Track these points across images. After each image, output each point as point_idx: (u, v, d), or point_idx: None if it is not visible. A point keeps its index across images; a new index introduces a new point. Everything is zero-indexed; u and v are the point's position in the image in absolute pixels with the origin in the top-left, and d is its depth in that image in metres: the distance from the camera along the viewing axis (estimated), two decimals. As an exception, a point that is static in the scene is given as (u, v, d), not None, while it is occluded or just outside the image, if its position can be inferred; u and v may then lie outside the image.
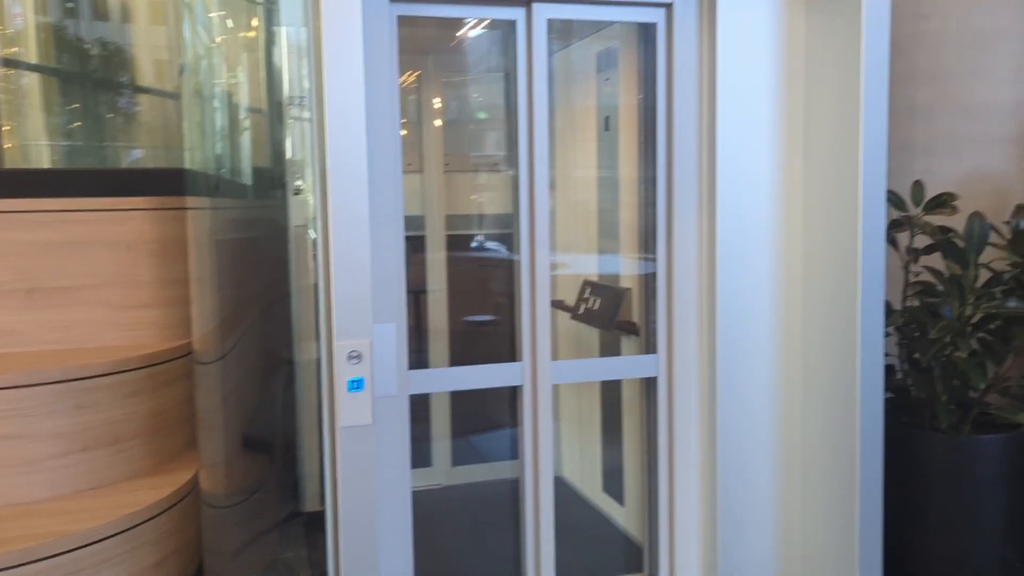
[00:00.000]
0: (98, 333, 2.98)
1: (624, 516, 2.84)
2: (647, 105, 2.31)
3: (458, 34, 2.78)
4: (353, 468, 1.72)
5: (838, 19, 2.02)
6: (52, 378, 2.59)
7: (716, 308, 2.12)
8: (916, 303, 2.66)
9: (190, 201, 2.63)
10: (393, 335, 1.91)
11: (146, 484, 2.69)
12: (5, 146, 4.80)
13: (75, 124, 5.06)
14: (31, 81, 4.92)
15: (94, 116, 5.07)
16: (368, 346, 1.70)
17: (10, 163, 4.54)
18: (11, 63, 4.77)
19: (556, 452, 3.39)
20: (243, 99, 3.01)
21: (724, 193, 2.11)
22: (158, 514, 2.56)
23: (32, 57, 5.01)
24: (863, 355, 2.00)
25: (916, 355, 2.60)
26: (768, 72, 2.11)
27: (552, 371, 2.15)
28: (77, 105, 5.16)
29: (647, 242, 2.43)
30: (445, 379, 2.08)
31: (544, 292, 2.11)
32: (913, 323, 2.60)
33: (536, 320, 2.11)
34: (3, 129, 4.81)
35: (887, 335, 2.22)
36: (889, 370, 2.71)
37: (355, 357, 1.69)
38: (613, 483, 2.97)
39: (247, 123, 2.89)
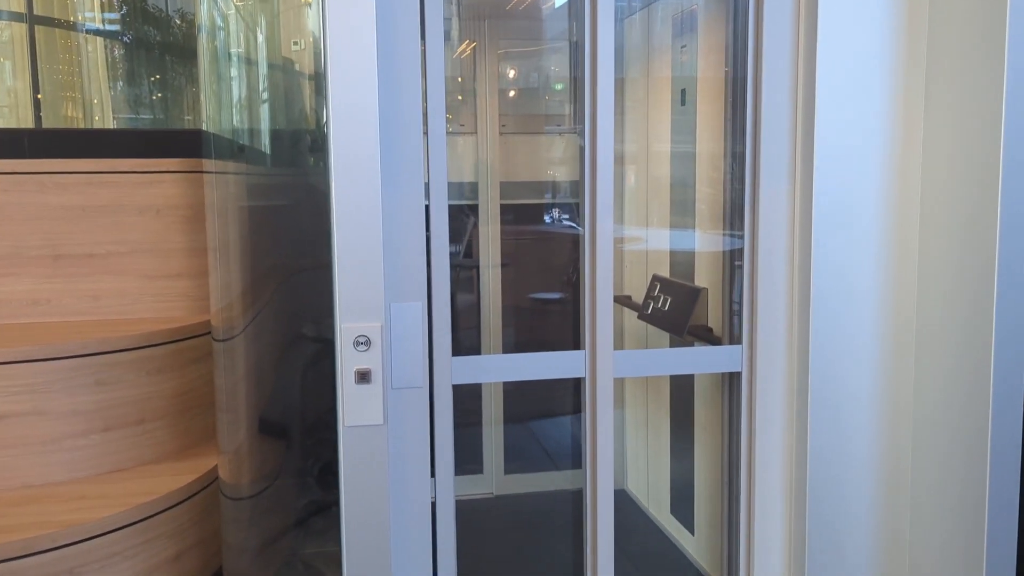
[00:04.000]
0: (128, 304, 2.79)
1: (695, 545, 2.51)
2: (734, 67, 1.95)
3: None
4: (360, 476, 1.44)
5: (976, -64, 1.62)
6: (70, 352, 2.40)
7: (810, 293, 1.76)
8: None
9: (222, 165, 2.39)
10: (418, 316, 1.61)
11: (169, 469, 2.49)
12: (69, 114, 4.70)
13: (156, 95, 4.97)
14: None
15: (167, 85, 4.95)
16: (379, 330, 1.41)
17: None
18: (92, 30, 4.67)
19: (620, 462, 3.06)
20: (279, 56, 2.76)
21: (823, 159, 1.74)
22: (177, 504, 2.36)
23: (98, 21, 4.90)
24: (997, 355, 1.61)
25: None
26: (881, 21, 1.72)
27: (614, 362, 1.82)
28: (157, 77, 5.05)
29: (729, 217, 2.08)
30: (491, 368, 1.78)
31: (606, 270, 1.78)
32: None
33: (597, 302, 1.79)
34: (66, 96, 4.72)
35: None
36: None
37: (363, 343, 1.40)
38: (682, 504, 2.64)
39: (283, 79, 2.63)
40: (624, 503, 2.97)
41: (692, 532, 2.53)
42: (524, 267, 3.31)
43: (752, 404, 1.88)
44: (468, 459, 3.28)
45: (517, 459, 3.14)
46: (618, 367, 1.79)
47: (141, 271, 2.79)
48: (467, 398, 3.34)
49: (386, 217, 1.58)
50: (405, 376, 1.63)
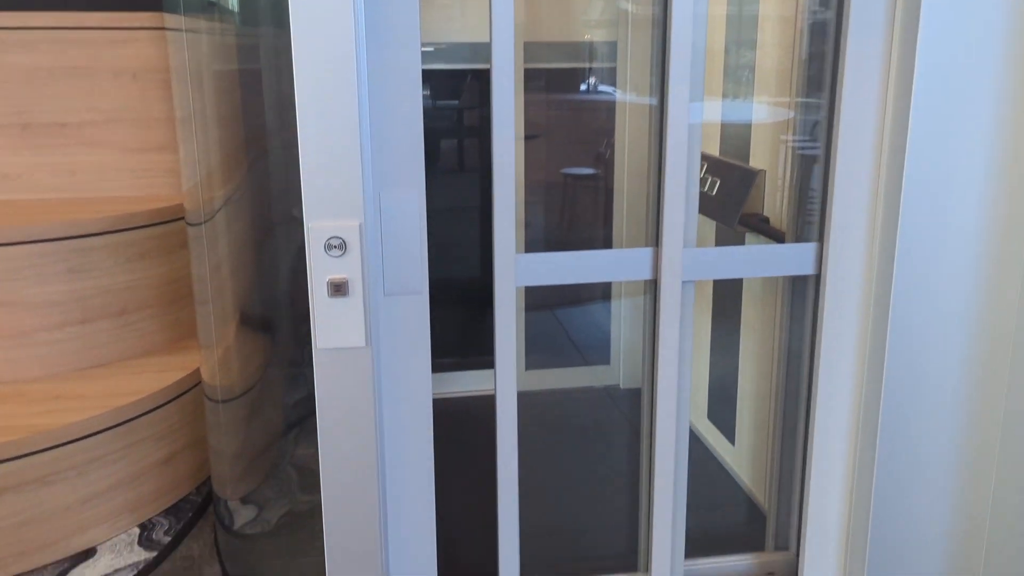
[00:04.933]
0: (107, 180, 2.50)
1: (735, 456, 2.25)
2: None
3: None
4: (339, 409, 1.17)
5: None
6: (37, 236, 2.13)
7: (902, 178, 1.41)
8: None
9: (191, 22, 2.02)
10: (415, 207, 1.30)
11: (156, 365, 2.26)
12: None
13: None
14: None
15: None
16: (357, 230, 1.11)
17: None
18: None
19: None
20: None
21: (931, 6, 1.35)
22: (164, 403, 2.14)
23: None
24: None
25: None
26: None
27: (684, 263, 1.51)
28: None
29: (797, 83, 1.71)
30: (552, 268, 1.49)
31: (680, 153, 1.44)
32: None
33: (666, 192, 1.45)
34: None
35: None
36: None
37: (336, 247, 1.10)
38: (722, 410, 2.37)
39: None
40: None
41: (732, 441, 2.29)
42: (553, 140, 2.96)
43: (821, 308, 1.57)
44: (485, 351, 3.04)
45: (540, 352, 2.89)
46: (687, 269, 1.48)
47: (119, 143, 2.48)
48: (483, 281, 3.06)
49: (372, 83, 1.24)
50: (399, 280, 1.33)
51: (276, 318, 1.82)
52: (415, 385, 1.41)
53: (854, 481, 1.64)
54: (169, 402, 2.15)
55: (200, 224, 1.80)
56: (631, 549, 1.87)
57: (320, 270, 1.11)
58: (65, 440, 1.93)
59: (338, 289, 1.11)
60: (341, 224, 1.10)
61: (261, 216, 1.78)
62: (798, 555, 1.71)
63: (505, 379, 1.48)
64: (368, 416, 1.18)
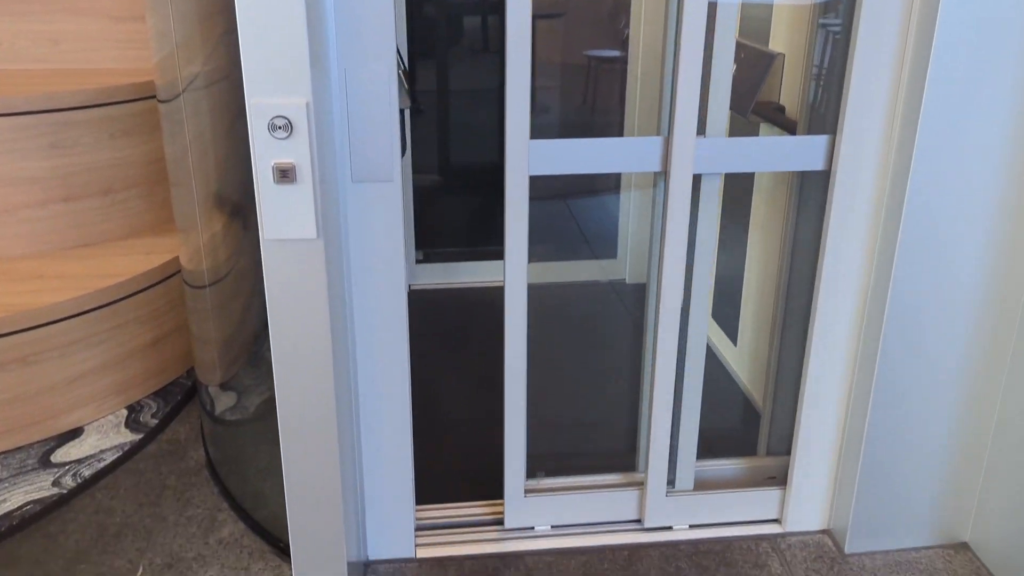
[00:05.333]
0: (92, 51, 2.38)
1: (736, 356, 2.18)
2: None
3: None
4: (289, 304, 1.10)
5: None
6: (15, 108, 2.03)
7: (928, 63, 1.27)
8: None
9: None
10: (384, 83, 1.18)
11: (142, 246, 2.20)
12: None
13: None
14: None
15: None
16: (303, 108, 1.00)
17: None
18: None
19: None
20: None
21: None
22: (150, 286, 2.09)
23: None
24: None
25: None
26: None
27: (696, 153, 1.39)
28: None
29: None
30: (556, 155, 1.38)
31: (696, 33, 1.30)
32: None
33: (680, 75, 1.32)
34: None
35: None
36: None
37: (281, 128, 1.00)
38: (726, 309, 2.27)
39: None
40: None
41: (735, 342, 2.21)
42: (569, 19, 2.78)
43: (830, 203, 1.45)
44: (488, 241, 2.95)
45: (544, 244, 2.80)
46: (699, 161, 1.37)
47: (103, 10, 2.34)
48: (487, 167, 2.94)
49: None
50: (367, 166, 1.23)
51: (251, 201, 1.73)
52: (388, 276, 1.33)
53: (853, 385, 1.56)
54: (156, 284, 2.10)
55: (172, 100, 1.69)
56: (631, 448, 1.83)
57: (264, 153, 1.01)
58: (47, 320, 1.90)
59: (284, 175, 1.02)
60: (286, 102, 0.99)
61: (235, 91, 1.66)
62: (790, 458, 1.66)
63: (515, 271, 1.40)
64: (322, 312, 1.10)
